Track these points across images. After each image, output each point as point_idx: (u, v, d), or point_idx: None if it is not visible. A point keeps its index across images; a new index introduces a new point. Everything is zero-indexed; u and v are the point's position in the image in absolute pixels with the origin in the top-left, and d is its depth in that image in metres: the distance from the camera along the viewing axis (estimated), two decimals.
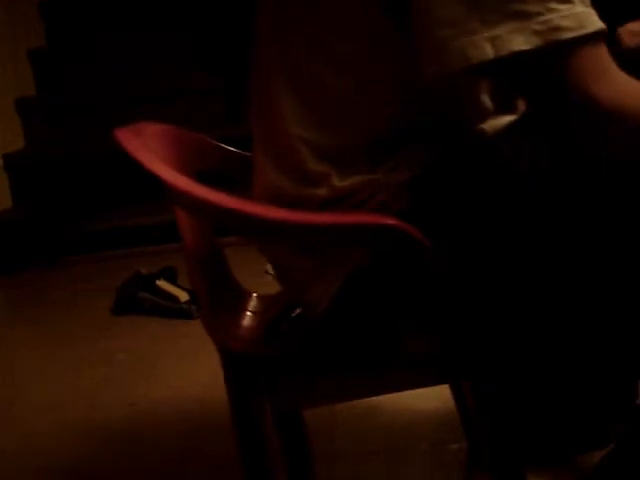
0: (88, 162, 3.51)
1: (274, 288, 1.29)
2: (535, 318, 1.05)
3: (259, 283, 1.40)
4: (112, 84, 3.67)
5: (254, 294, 1.35)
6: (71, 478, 1.80)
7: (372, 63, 1.05)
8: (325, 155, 1.09)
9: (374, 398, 1.34)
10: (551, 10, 0.94)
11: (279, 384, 1.14)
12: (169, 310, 2.63)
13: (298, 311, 1.21)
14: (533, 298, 1.05)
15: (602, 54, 0.98)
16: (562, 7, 0.94)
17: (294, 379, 1.13)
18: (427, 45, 0.97)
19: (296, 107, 1.11)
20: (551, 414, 1.20)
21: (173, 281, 2.74)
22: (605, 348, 1.07)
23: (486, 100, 1.11)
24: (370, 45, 1.05)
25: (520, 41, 0.94)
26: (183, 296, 2.65)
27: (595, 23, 0.96)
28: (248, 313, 1.29)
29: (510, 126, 1.11)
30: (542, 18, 0.94)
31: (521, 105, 1.15)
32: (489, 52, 0.94)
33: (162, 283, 2.73)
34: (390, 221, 0.98)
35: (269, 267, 1.26)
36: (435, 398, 1.58)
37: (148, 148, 1.11)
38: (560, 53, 0.95)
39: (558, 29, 0.94)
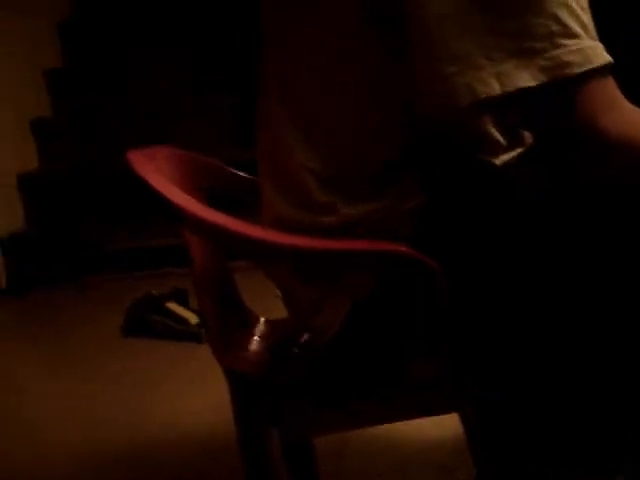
0: (101, 184, 3.53)
1: (283, 313, 1.29)
2: (543, 345, 1.05)
3: (268, 307, 1.40)
4: (127, 104, 3.69)
5: (262, 318, 1.35)
6: None
7: (372, 95, 1.06)
8: (331, 184, 1.10)
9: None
10: (558, 46, 0.95)
11: (286, 411, 1.13)
12: (179, 333, 2.63)
13: (306, 337, 1.21)
14: (541, 325, 1.04)
15: (609, 87, 0.98)
16: (569, 42, 0.95)
17: (301, 406, 1.13)
18: (431, 80, 0.98)
19: (300, 137, 1.11)
20: (557, 444, 1.19)
21: (184, 303, 2.74)
22: (613, 373, 1.07)
23: (495, 134, 1.11)
24: (370, 78, 1.05)
25: (526, 77, 0.95)
26: (193, 319, 2.65)
27: (602, 57, 0.97)
28: (256, 337, 1.29)
29: (518, 157, 1.12)
30: (549, 54, 0.95)
31: (528, 138, 1.16)
32: (496, 87, 0.95)
33: (172, 305, 2.73)
34: (402, 248, 0.98)
35: (279, 291, 1.26)
36: (444, 424, 1.57)
37: (160, 171, 1.11)
38: (567, 88, 0.96)
39: (565, 65, 0.95)
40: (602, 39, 0.99)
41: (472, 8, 0.95)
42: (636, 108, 1.00)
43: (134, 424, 2.07)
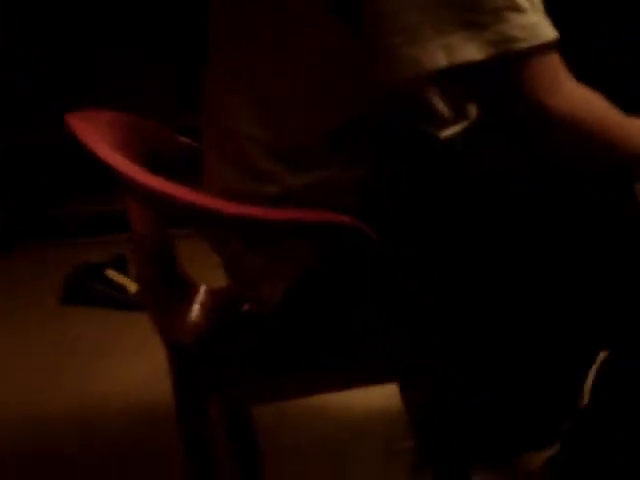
0: (39, 149, 3.46)
1: (224, 282, 1.27)
2: (483, 312, 1.06)
3: (210, 276, 1.39)
4: (68, 71, 3.62)
5: (203, 287, 1.34)
6: (17, 467, 1.78)
7: (324, 63, 1.05)
8: (277, 153, 1.09)
9: (323, 395, 1.34)
10: (505, 20, 0.95)
11: (227, 381, 1.13)
12: (118, 301, 2.60)
13: (248, 306, 1.20)
14: (484, 293, 1.05)
15: (554, 63, 0.99)
16: (516, 17, 0.95)
17: (242, 376, 1.12)
18: (379, 51, 0.98)
19: (248, 106, 1.11)
20: (497, 413, 1.21)
21: (124, 271, 2.70)
22: (553, 347, 1.08)
23: (442, 108, 1.11)
24: (322, 46, 1.05)
25: (473, 50, 0.95)
26: (133, 287, 2.62)
27: (547, 33, 0.97)
28: (196, 306, 1.27)
29: (463, 130, 1.12)
30: (495, 28, 0.95)
31: (472, 112, 1.16)
32: (442, 60, 0.95)
33: (112, 273, 2.69)
34: (343, 219, 0.97)
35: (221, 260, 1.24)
36: (384, 396, 1.58)
37: (99, 135, 1.09)
38: (512, 62, 0.97)
39: (511, 39, 0.95)
40: (600, 36, 1.00)
41: None
42: (580, 85, 1.01)
43: (75, 393, 2.05)
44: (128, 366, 2.16)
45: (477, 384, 1.14)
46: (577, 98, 1.00)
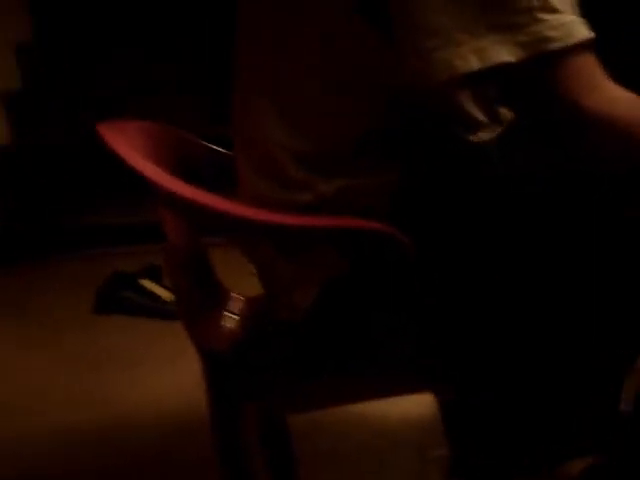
0: (73, 158, 3.49)
1: (257, 290, 1.27)
2: (519, 324, 1.05)
3: (243, 284, 1.39)
4: (100, 79, 3.64)
5: (237, 295, 1.33)
6: (47, 478, 1.79)
7: (352, 69, 1.05)
8: (306, 161, 1.09)
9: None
10: (538, 21, 0.94)
11: (260, 389, 1.12)
12: (152, 310, 2.61)
13: (281, 314, 1.20)
14: (516, 304, 1.04)
15: (589, 63, 0.97)
16: (549, 17, 0.94)
17: (276, 384, 1.12)
18: (411, 54, 0.97)
19: (276, 114, 1.10)
20: (535, 421, 1.19)
21: (157, 280, 2.71)
22: (589, 357, 1.07)
23: (474, 110, 1.10)
24: (349, 49, 1.04)
25: (506, 52, 0.94)
26: (167, 296, 2.63)
27: (582, 32, 0.96)
28: (230, 315, 1.27)
29: (498, 135, 1.11)
30: (529, 29, 0.94)
31: (505, 115, 1.15)
32: (474, 63, 0.94)
33: (145, 282, 2.70)
34: (376, 225, 0.97)
35: (254, 268, 1.24)
36: (421, 404, 1.58)
37: (132, 145, 1.09)
38: (547, 63, 0.95)
39: (545, 40, 0.94)
40: (602, 39, 0.99)
41: None
42: (617, 86, 0.99)
43: (109, 402, 2.06)
44: (160, 375, 2.17)
45: (513, 393, 1.13)
46: (614, 98, 0.98)
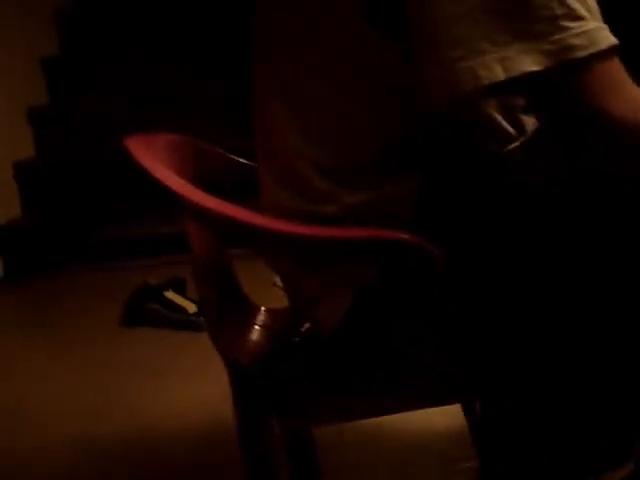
0: (98, 171, 3.51)
1: (283, 302, 1.27)
2: (548, 334, 1.04)
3: (268, 296, 1.39)
4: (125, 93, 3.66)
5: (263, 307, 1.34)
6: None
7: (372, 81, 1.04)
8: (330, 173, 1.08)
9: None
10: (562, 29, 0.93)
11: (287, 401, 1.12)
12: (177, 322, 2.62)
13: (307, 326, 1.19)
14: (546, 314, 1.03)
15: (615, 69, 0.97)
16: (573, 25, 0.93)
17: (302, 397, 1.12)
18: (433, 64, 0.96)
19: (297, 125, 1.10)
20: (566, 434, 1.18)
21: (182, 293, 2.73)
22: (614, 364, 1.05)
23: (500, 120, 1.09)
24: (369, 64, 1.03)
25: (530, 61, 0.93)
26: (191, 308, 2.64)
27: (607, 39, 0.95)
28: (256, 327, 1.27)
29: (522, 144, 1.10)
30: (553, 37, 0.93)
31: (530, 125, 1.14)
32: (499, 73, 0.93)
33: (170, 294, 2.71)
34: (402, 235, 0.96)
35: (278, 280, 1.24)
36: (448, 415, 1.57)
37: (158, 158, 1.10)
38: (572, 71, 0.94)
39: (569, 48, 0.93)
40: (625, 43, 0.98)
41: None
42: (638, 87, 0.98)
43: (134, 414, 2.06)
44: (185, 387, 2.17)
45: (543, 403, 1.12)
46: None
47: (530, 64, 0.93)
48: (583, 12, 0.94)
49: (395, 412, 1.20)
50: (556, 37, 0.93)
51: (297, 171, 1.10)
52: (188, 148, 1.30)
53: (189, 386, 2.17)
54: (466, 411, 1.48)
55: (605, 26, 0.96)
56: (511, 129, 1.11)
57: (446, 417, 1.67)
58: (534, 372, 1.05)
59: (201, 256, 1.17)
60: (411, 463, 1.69)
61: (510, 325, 1.03)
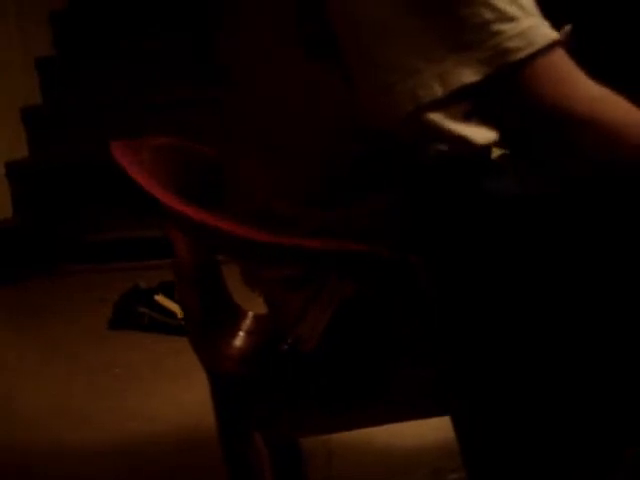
0: (90, 173, 3.50)
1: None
2: (533, 344, 1.02)
3: (258, 301, 1.37)
4: (119, 94, 3.66)
5: (251, 313, 1.32)
6: None
7: (322, 110, 1.02)
8: (295, 197, 1.06)
9: None
10: (495, 34, 0.89)
11: (271, 412, 1.11)
12: (167, 326, 2.61)
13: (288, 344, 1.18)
14: (528, 319, 1.01)
15: (560, 64, 0.93)
16: (506, 27, 0.89)
17: (286, 407, 1.10)
18: (373, 91, 0.94)
19: (258, 154, 1.09)
20: (547, 446, 1.17)
21: (172, 296, 2.71)
22: (604, 375, 1.04)
23: (460, 130, 1.07)
24: (316, 95, 1.01)
25: (468, 72, 0.90)
26: (181, 312, 2.63)
27: (544, 36, 0.91)
28: (241, 333, 1.25)
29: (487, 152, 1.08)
30: (487, 44, 0.89)
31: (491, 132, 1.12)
32: (438, 90, 0.90)
33: (160, 298, 2.70)
34: (384, 250, 0.95)
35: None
36: (436, 426, 1.56)
37: (142, 162, 1.09)
38: (514, 74, 0.91)
39: (506, 52, 0.89)
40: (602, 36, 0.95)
41: (399, 11, 0.90)
42: (590, 81, 0.94)
43: (121, 417, 2.06)
44: (175, 390, 2.16)
45: (530, 420, 1.10)
46: (595, 95, 0.93)
47: (469, 75, 0.90)
48: (515, 12, 0.90)
49: (381, 424, 1.18)
50: (490, 43, 0.89)
51: (260, 196, 1.09)
52: (179, 152, 1.29)
53: (177, 390, 2.16)
54: (453, 421, 1.46)
55: (542, 22, 0.92)
56: (472, 136, 1.09)
57: (434, 429, 1.65)
58: (518, 384, 1.04)
59: (184, 260, 1.16)
60: (399, 474, 1.68)
61: (495, 337, 1.02)
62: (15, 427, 2.07)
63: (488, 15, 0.89)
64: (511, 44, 0.89)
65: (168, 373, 2.30)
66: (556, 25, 0.94)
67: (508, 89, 0.92)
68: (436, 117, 0.99)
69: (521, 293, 0.99)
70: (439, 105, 0.92)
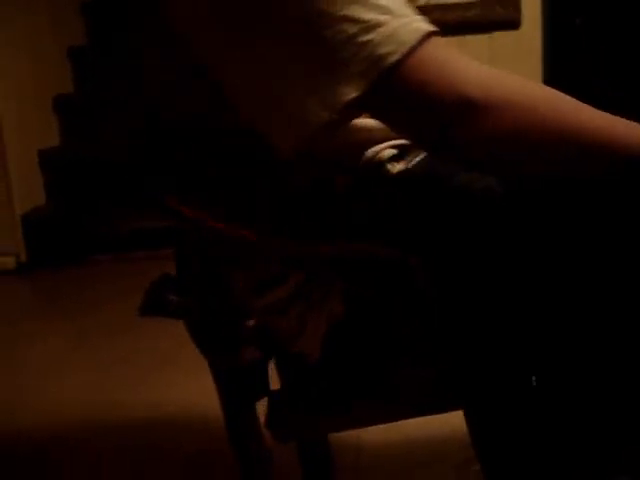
0: (123, 161, 3.52)
1: None
2: (528, 345, 1.02)
3: None
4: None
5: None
6: (88, 475, 1.82)
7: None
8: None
9: None
10: (364, 44, 0.87)
11: (270, 413, 1.12)
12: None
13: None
14: (524, 323, 1.01)
15: (434, 55, 0.90)
16: (373, 35, 0.87)
17: (286, 409, 1.12)
18: (267, 127, 0.94)
19: None
20: (554, 442, 1.17)
21: None
22: (607, 371, 1.03)
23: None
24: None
25: (349, 89, 0.88)
26: None
27: (414, 32, 0.89)
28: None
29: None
30: (358, 57, 0.87)
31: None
32: (324, 116, 0.89)
33: None
34: (387, 251, 0.95)
35: None
36: (462, 418, 1.56)
37: None
38: (395, 77, 0.89)
39: (379, 59, 0.87)
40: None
41: (266, 50, 0.90)
42: (472, 62, 0.91)
43: (151, 404, 2.09)
44: (204, 377, 2.17)
45: (537, 414, 1.10)
46: (481, 75, 0.90)
47: (350, 92, 0.88)
48: (379, 18, 0.88)
49: (381, 423, 1.19)
50: (362, 55, 0.87)
51: None
52: None
53: (206, 377, 2.17)
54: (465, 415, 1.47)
55: (412, 17, 0.90)
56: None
57: (457, 419, 1.66)
58: (517, 383, 1.04)
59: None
60: (423, 466, 1.69)
61: (495, 336, 1.02)
62: (46, 416, 2.10)
63: (351, 29, 0.87)
64: (382, 50, 0.87)
65: (195, 360, 2.31)
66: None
67: (395, 92, 0.90)
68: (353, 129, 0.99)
69: (519, 291, 0.99)
70: (332, 126, 0.91)
